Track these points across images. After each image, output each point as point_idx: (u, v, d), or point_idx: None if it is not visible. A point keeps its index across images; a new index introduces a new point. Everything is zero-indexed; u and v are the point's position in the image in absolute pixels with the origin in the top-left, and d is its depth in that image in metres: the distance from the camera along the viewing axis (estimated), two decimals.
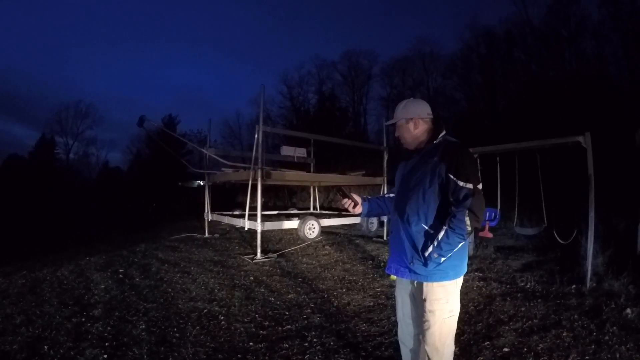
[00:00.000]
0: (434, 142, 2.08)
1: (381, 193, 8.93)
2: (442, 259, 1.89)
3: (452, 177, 1.90)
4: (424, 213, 1.98)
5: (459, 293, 2.05)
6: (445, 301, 1.97)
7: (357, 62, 35.20)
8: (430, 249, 1.90)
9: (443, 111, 24.49)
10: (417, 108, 2.12)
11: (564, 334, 3.25)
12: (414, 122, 2.11)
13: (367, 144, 17.11)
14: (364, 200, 2.32)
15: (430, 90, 29.43)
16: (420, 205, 1.99)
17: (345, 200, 2.23)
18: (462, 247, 1.94)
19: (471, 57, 26.16)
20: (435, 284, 1.96)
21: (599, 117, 12.16)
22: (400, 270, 2.08)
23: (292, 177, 9.22)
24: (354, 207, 2.25)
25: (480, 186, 1.92)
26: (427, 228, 1.97)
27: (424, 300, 1.99)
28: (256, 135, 7.03)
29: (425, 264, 1.93)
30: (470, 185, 1.87)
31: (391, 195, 2.36)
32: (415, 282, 2.05)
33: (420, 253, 1.95)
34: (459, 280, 2.04)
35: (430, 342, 1.98)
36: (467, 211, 1.83)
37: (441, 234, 1.87)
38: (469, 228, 1.84)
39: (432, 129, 2.13)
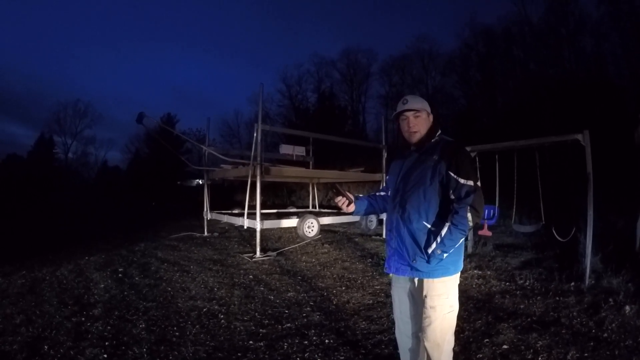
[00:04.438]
0: (432, 140, 2.10)
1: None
2: (445, 255, 1.91)
3: (452, 174, 1.92)
4: (424, 210, 1.99)
5: (457, 288, 2.07)
6: (445, 297, 1.99)
7: (356, 61, 35.27)
8: (434, 245, 1.91)
9: (442, 109, 24.54)
10: (426, 103, 2.13)
11: (563, 331, 3.26)
12: (429, 115, 2.12)
13: (366, 142, 17.13)
14: (356, 198, 2.32)
15: (429, 89, 29.49)
16: (421, 203, 2.00)
17: (339, 197, 2.23)
18: (461, 243, 1.96)
19: (470, 55, 26.23)
20: (436, 280, 1.98)
21: (597, 115, 12.16)
22: (401, 268, 2.09)
23: (291, 173, 9.22)
24: (348, 205, 2.25)
25: (479, 183, 1.95)
26: (429, 226, 1.98)
27: (425, 296, 2.00)
28: (255, 134, 7.02)
29: (428, 261, 1.95)
30: (471, 182, 1.90)
31: (382, 193, 2.38)
32: (416, 279, 2.06)
33: (424, 250, 1.96)
34: (458, 276, 2.06)
35: (431, 338, 1.99)
36: (468, 207, 1.85)
37: (444, 231, 1.89)
38: (471, 224, 1.87)
39: (434, 126, 2.14)
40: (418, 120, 2.10)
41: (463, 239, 1.92)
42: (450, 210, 1.92)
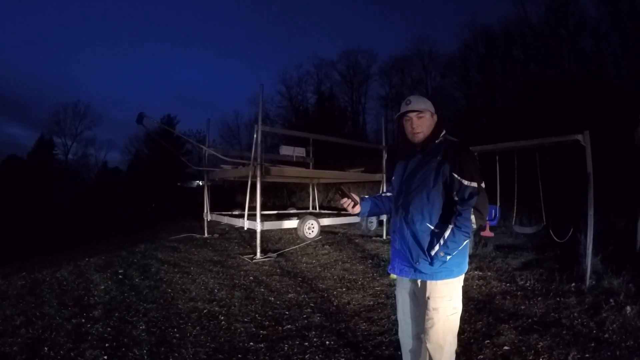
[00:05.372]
0: (436, 141, 2.08)
1: (381, 189, 8.96)
2: (448, 257, 1.90)
3: (456, 176, 1.91)
4: (428, 212, 1.98)
5: (461, 290, 2.06)
6: (449, 299, 1.98)
7: (355, 62, 35.22)
8: (437, 247, 1.90)
9: (442, 110, 24.49)
10: (430, 103, 2.12)
11: (564, 332, 3.25)
12: (433, 115, 2.11)
13: (366, 143, 17.12)
14: (362, 199, 2.31)
15: (429, 89, 29.45)
16: (424, 205, 1.99)
17: (345, 199, 2.21)
18: (465, 245, 1.95)
19: (470, 56, 26.22)
20: (439, 282, 1.97)
21: (597, 115, 12.15)
22: (405, 269, 2.08)
23: (291, 173, 9.22)
24: (353, 206, 2.24)
25: (483, 184, 1.93)
26: (432, 227, 1.97)
27: (428, 298, 1.99)
28: (255, 135, 7.03)
29: (431, 263, 1.94)
30: (475, 184, 1.89)
31: (388, 194, 2.35)
32: (419, 280, 2.06)
33: (427, 252, 1.95)
34: (462, 278, 2.05)
35: (434, 340, 1.98)
36: (472, 209, 1.84)
37: (447, 233, 1.88)
38: (474, 226, 1.86)
39: (438, 126, 2.13)
40: (421, 121, 2.08)
41: (467, 241, 1.91)
42: (453, 212, 1.91)
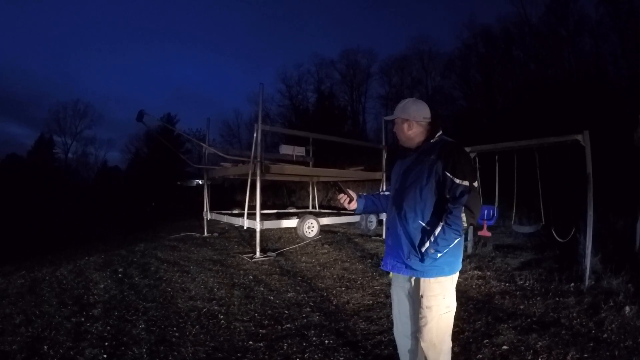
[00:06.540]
0: (431, 140, 2.11)
1: (380, 188, 8.98)
2: (439, 255, 1.92)
3: (448, 174, 1.93)
4: (420, 210, 2.01)
5: (454, 289, 2.07)
6: (442, 297, 1.99)
7: (355, 61, 35.24)
8: (427, 244, 1.92)
9: (441, 110, 24.52)
10: (415, 110, 2.13)
11: (563, 332, 3.26)
12: (408, 123, 2.14)
13: (365, 143, 17.13)
14: (359, 196, 2.35)
15: (428, 89, 29.50)
16: (417, 202, 2.01)
17: (341, 195, 2.26)
18: (458, 244, 1.96)
19: (470, 55, 26.21)
20: (431, 279, 1.98)
21: (597, 115, 12.16)
22: (397, 266, 2.10)
23: (291, 170, 9.22)
24: (349, 202, 2.27)
25: (476, 184, 1.96)
26: (424, 224, 1.99)
27: (421, 296, 2.01)
28: (255, 134, 7.02)
29: (421, 260, 1.96)
30: (466, 183, 1.90)
31: (387, 193, 2.39)
32: (413, 278, 2.08)
33: (417, 249, 1.98)
34: (455, 277, 2.06)
35: (428, 339, 2.00)
36: (463, 208, 1.86)
37: (438, 230, 1.90)
38: (465, 224, 1.87)
39: (428, 130, 2.15)
40: (399, 128, 2.18)
41: (458, 239, 1.93)
42: (445, 210, 1.93)
